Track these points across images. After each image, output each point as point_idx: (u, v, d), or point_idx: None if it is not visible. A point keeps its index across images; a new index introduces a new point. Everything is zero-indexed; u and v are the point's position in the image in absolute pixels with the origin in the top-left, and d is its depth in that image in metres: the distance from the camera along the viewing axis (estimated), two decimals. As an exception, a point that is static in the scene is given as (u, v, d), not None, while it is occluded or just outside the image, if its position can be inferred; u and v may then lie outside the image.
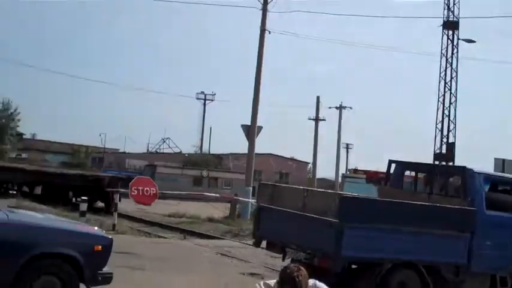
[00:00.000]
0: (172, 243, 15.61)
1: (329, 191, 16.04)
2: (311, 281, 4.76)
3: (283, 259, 10.10)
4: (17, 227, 6.95)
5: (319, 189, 16.50)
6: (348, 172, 33.19)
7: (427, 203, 9.90)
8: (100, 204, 25.42)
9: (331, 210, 8.94)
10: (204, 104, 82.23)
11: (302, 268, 4.58)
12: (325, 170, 75.23)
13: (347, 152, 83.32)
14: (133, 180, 16.80)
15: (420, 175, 12.12)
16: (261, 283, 4.77)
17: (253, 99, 24.27)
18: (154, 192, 16.68)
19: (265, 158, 71.74)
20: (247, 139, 24.22)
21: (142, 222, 22.36)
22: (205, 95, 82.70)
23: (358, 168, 31.81)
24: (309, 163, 63.11)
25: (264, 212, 10.69)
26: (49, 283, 6.64)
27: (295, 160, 76.34)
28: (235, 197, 23.13)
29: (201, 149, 79.47)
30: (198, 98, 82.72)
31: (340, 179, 53.60)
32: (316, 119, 55.91)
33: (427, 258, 9.41)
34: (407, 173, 12.04)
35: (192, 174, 56.12)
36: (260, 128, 24.44)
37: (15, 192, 16.64)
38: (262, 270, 11.90)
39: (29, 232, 6.96)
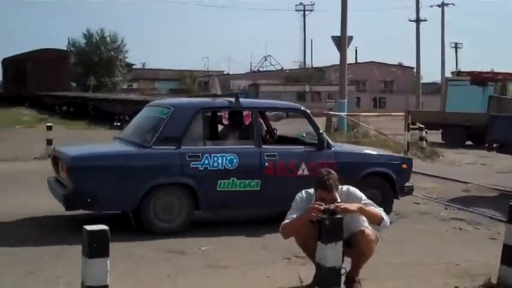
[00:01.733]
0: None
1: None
2: (345, 187, 5.29)
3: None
4: (354, 153, 9.01)
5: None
6: (451, 75, 32.20)
7: None
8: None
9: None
10: (304, 16, 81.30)
11: (333, 172, 5.18)
12: (434, 74, 72.65)
13: (456, 52, 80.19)
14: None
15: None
16: (303, 191, 5.33)
17: (342, 8, 24.00)
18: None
19: (368, 66, 70.81)
20: (339, 50, 24.25)
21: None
22: (304, 6, 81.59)
23: (462, 70, 30.70)
24: (413, 68, 61.51)
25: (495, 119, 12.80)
26: (373, 194, 7.62)
27: (399, 66, 74.70)
28: (326, 111, 23.49)
29: (304, 63, 79.38)
30: (297, 10, 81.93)
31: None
32: (417, 20, 54.17)
33: None
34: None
35: (295, 90, 56.47)
36: (351, 38, 24.29)
37: (119, 124, 17.78)
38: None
39: (362, 156, 8.90)
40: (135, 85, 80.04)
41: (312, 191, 5.25)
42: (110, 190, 7.51)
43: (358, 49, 74.37)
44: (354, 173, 8.10)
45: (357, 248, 5.18)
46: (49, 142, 15.67)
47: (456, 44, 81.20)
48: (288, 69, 73.21)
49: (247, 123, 8.98)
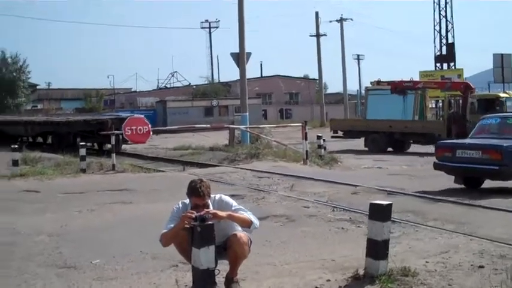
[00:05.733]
0: (168, 175, 16.57)
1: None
2: (217, 195, 5.69)
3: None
4: None
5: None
6: (371, 84, 33.36)
7: None
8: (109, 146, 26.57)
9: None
10: (210, 33, 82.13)
11: (205, 180, 5.56)
12: (339, 85, 75.15)
13: (358, 63, 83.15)
14: (125, 121, 17.65)
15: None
16: (179, 202, 5.69)
17: (239, 26, 24.78)
18: (147, 130, 17.57)
19: (273, 79, 72.33)
20: (238, 66, 24.89)
21: (147, 159, 23.37)
22: (209, 23, 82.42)
23: (381, 80, 31.83)
24: (317, 80, 63.36)
25: None
26: None
27: (304, 78, 76.66)
28: (225, 125, 24.04)
29: (212, 79, 79.99)
30: (202, 27, 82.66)
31: (363, 92, 53.98)
32: (317, 35, 56.14)
33: None
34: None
35: (203, 105, 56.96)
36: (249, 54, 25.06)
37: (16, 146, 17.50)
38: (245, 192, 12.76)
39: None
40: (40, 106, 78.07)
41: (187, 201, 5.60)
42: None
43: (263, 63, 75.92)
44: None
45: (231, 251, 5.57)
46: None
47: (358, 55, 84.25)
48: (195, 85, 73.58)
49: None
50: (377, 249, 5.87)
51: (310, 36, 57.45)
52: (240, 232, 5.58)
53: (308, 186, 13.46)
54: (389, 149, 26.79)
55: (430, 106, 39.43)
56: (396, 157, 23.44)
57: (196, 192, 5.41)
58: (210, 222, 5.17)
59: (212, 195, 5.63)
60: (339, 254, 7.05)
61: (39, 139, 31.29)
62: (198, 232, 5.11)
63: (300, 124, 20.71)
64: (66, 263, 7.07)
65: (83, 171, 16.73)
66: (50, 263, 7.13)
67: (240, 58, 24.59)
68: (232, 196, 12.00)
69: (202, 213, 5.24)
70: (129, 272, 6.63)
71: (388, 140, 26.91)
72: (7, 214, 10.63)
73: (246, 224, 5.54)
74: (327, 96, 68.30)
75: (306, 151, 19.35)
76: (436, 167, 13.10)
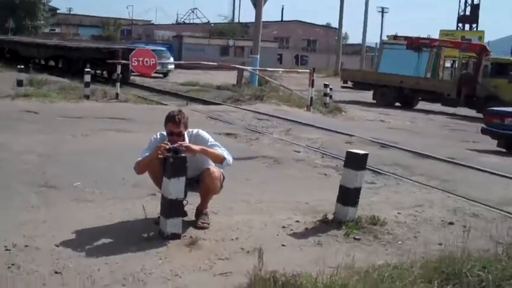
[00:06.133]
0: (169, 109, 16.59)
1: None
2: (195, 130, 5.76)
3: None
4: None
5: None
6: (387, 38, 32.87)
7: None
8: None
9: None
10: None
11: (184, 113, 5.68)
12: (359, 37, 74.05)
13: (382, 16, 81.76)
14: (133, 52, 17.58)
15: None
16: (157, 133, 5.77)
17: (257, -34, 24.35)
18: (154, 62, 17.51)
19: (293, 25, 71.42)
20: (255, 7, 24.61)
21: (153, 91, 23.44)
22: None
23: (398, 34, 31.50)
24: (337, 29, 62.49)
25: None
26: None
27: (324, 26, 75.68)
28: (233, 65, 23.92)
29: (233, 18, 79.26)
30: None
31: (378, 45, 53.40)
32: (341, -17, 55.10)
33: None
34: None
35: (219, 44, 56.51)
36: (267, -5, 24.71)
37: (22, 66, 17.56)
38: (240, 131, 12.84)
39: None
40: (57, 30, 77.97)
41: (165, 132, 5.68)
42: None
43: (284, 7, 74.88)
44: None
45: (203, 184, 5.68)
46: None
47: (383, 8, 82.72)
48: (214, 23, 72.94)
49: None
50: (347, 196, 5.96)
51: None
52: (213, 167, 5.67)
53: (304, 132, 13.51)
54: (397, 104, 26.72)
55: (446, 65, 39.01)
56: (402, 112, 23.41)
57: (173, 119, 5.51)
58: (183, 155, 5.24)
59: (190, 129, 5.71)
60: (315, 198, 7.14)
61: (52, 62, 31.41)
62: (170, 163, 5.19)
63: (308, 71, 20.58)
64: (47, 183, 7.21)
65: (87, 97, 16.83)
66: (33, 181, 7.27)
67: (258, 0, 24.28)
68: (227, 134, 12.31)
69: (176, 145, 5.31)
70: (106, 196, 6.76)
71: (397, 94, 26.85)
72: (3, 132, 10.79)
73: (219, 160, 5.62)
74: (346, 47, 67.54)
75: (311, 98, 19.32)
76: (484, 131, 13.80)
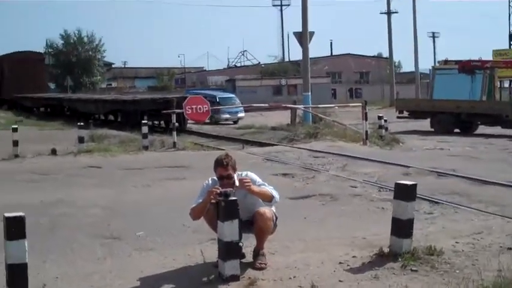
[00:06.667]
0: (226, 153, 16.95)
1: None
2: (244, 172, 5.98)
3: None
4: None
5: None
6: (438, 64, 32.63)
7: None
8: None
9: None
10: (281, 10, 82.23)
11: (231, 156, 5.97)
12: (413, 64, 73.65)
13: (434, 41, 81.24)
14: (186, 100, 18.14)
15: None
16: (209, 178, 6.01)
17: (302, 5, 24.78)
18: (207, 109, 18.02)
19: (343, 58, 71.67)
20: (301, 45, 24.99)
21: (210, 137, 23.90)
22: (281, 1, 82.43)
23: (449, 59, 31.28)
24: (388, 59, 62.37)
25: None
26: None
27: (375, 57, 75.63)
28: (283, 105, 24.22)
29: (283, 57, 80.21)
30: (274, 5, 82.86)
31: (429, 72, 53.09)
32: (388, 12, 55.31)
33: None
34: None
35: (271, 84, 57.23)
36: (312, 33, 25.05)
37: (82, 124, 18.26)
38: (296, 171, 12.98)
39: None
40: (114, 84, 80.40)
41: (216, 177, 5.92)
42: None
43: (333, 42, 75.57)
44: None
45: (256, 226, 5.88)
46: (15, 143, 16.24)
47: (433, 33, 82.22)
48: (264, 64, 73.91)
49: None
50: (401, 227, 6.01)
51: (381, 13, 56.71)
52: (264, 208, 5.87)
53: (360, 167, 13.53)
54: (456, 130, 26.35)
55: (505, 86, 38.35)
56: (461, 138, 23.07)
57: (221, 163, 5.79)
58: (233, 198, 5.45)
59: (239, 172, 5.93)
60: (371, 233, 7.21)
61: (111, 117, 32.42)
62: (222, 207, 5.41)
63: (360, 104, 20.64)
64: (112, 234, 7.53)
65: (145, 148, 17.34)
66: (98, 233, 7.61)
67: (303, 37, 24.65)
68: (283, 175, 12.49)
69: (227, 190, 5.52)
70: (168, 243, 7.02)
71: (454, 120, 26.44)
72: (68, 188, 11.29)
73: (268, 198, 5.82)
74: (400, 76, 67.23)
75: (366, 131, 19.32)
76: None
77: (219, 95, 39.21)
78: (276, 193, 5.90)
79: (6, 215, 4.82)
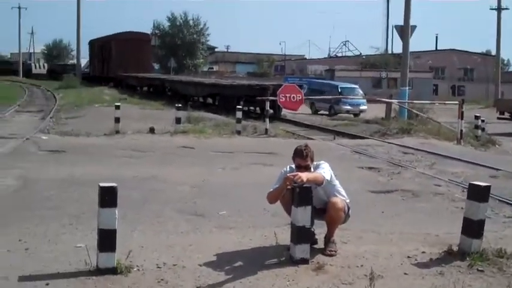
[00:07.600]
0: (315, 143, 17.06)
1: None
2: (319, 162, 6.24)
3: None
4: None
5: None
6: None
7: None
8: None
9: None
10: (388, 2, 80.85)
11: (310, 147, 6.24)
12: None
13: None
14: (280, 88, 18.51)
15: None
16: (287, 166, 6.33)
17: (405, -1, 24.53)
18: (300, 98, 18.32)
19: (448, 53, 69.72)
20: (401, 39, 24.76)
21: (303, 126, 24.18)
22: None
23: None
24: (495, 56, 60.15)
25: None
26: None
27: (481, 54, 73.05)
28: (378, 99, 24.08)
29: (386, 49, 78.97)
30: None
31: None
32: (498, 8, 53.31)
33: None
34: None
35: (370, 76, 56.71)
36: (414, 27, 24.80)
37: (180, 105, 19.03)
38: (382, 165, 13.08)
39: None
40: (215, 67, 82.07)
41: (294, 165, 6.24)
42: None
43: (438, 36, 73.53)
44: None
45: (328, 215, 6.18)
46: (117, 120, 17.25)
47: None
48: (365, 55, 73.15)
49: None
50: (472, 228, 6.13)
51: (491, 9, 54.74)
52: (336, 198, 6.17)
53: (449, 166, 13.44)
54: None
55: None
56: None
57: (300, 153, 6.09)
58: (307, 185, 5.76)
59: (316, 162, 6.22)
60: (445, 231, 7.31)
61: (209, 100, 33.32)
62: (297, 193, 5.74)
63: (457, 102, 20.28)
64: (196, 212, 8.06)
65: (238, 132, 17.91)
66: (184, 209, 8.16)
67: (404, 31, 24.43)
68: (369, 168, 12.64)
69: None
70: (247, 224, 7.44)
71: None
72: (162, 165, 11.99)
73: (320, 182, 5.93)
74: (507, 75, 64.67)
75: (461, 130, 18.99)
76: None
77: (341, 84, 37.95)
78: (327, 174, 6.03)
79: (101, 184, 5.38)
